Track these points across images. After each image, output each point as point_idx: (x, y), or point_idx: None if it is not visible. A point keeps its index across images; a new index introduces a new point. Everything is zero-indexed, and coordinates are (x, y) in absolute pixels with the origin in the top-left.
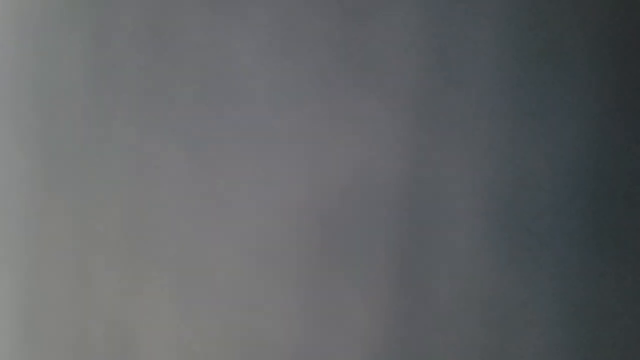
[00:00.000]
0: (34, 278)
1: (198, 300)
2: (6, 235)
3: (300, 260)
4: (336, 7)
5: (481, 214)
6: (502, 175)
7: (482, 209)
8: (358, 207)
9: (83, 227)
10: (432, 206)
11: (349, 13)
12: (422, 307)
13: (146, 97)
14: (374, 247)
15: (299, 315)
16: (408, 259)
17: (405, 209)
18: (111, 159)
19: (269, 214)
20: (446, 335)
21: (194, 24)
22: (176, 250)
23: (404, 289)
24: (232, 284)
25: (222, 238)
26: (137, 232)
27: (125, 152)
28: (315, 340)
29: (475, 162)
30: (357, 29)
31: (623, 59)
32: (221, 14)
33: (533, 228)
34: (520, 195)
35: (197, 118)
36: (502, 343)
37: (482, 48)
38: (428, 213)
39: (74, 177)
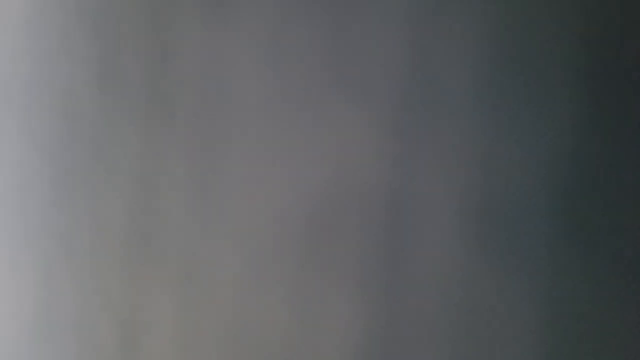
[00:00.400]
0: (46, 279)
1: (198, 300)
2: (18, 237)
3: (288, 261)
4: (323, 18)
5: (458, 216)
6: (478, 179)
7: (458, 211)
8: (341, 210)
9: (91, 230)
10: (410, 209)
11: (335, 24)
12: (403, 306)
13: (148, 105)
14: (357, 249)
15: (287, 314)
16: (389, 260)
17: (385, 212)
18: (117, 165)
19: (260, 216)
20: (427, 334)
21: (193, 34)
22: (178, 252)
23: (386, 288)
24: (227, 284)
25: (218, 240)
26: (142, 234)
27: (130, 158)
28: (303, 338)
29: (451, 166)
30: (343, 39)
31: (599, 65)
32: (218, 26)
33: (509, 229)
34: (496, 197)
35: (195, 124)
36: (479, 340)
37: (459, 56)
38: (407, 216)
39: (82, 182)
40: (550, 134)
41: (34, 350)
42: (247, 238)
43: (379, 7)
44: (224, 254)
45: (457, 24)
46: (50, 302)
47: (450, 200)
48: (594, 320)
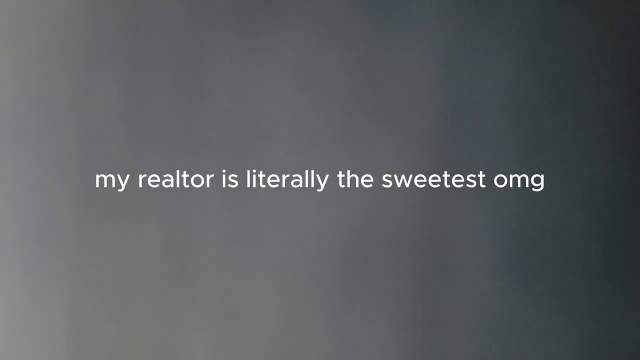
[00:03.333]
0: (79, 311)
1: (234, 336)
2: (47, 277)
3: (326, 294)
4: (355, 48)
5: (494, 247)
6: (515, 211)
7: (495, 241)
8: (377, 241)
9: (124, 268)
10: (446, 239)
11: (367, 54)
12: (440, 336)
13: (178, 132)
14: (394, 280)
15: (326, 349)
16: (426, 289)
17: (421, 242)
18: (150, 200)
19: (296, 249)
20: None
21: (224, 64)
22: (214, 288)
23: (424, 318)
24: (264, 319)
25: (254, 275)
26: (177, 271)
27: (163, 192)
28: None
29: (487, 197)
30: (375, 69)
31: (633, 103)
32: (249, 57)
33: (546, 262)
34: (533, 230)
35: (228, 154)
36: None
37: (493, 87)
38: (443, 246)
39: (114, 219)
40: (588, 166)
41: None
42: (283, 272)
43: (412, 37)
44: (260, 289)
45: (492, 56)
46: (83, 342)
47: (486, 230)
48: (632, 357)
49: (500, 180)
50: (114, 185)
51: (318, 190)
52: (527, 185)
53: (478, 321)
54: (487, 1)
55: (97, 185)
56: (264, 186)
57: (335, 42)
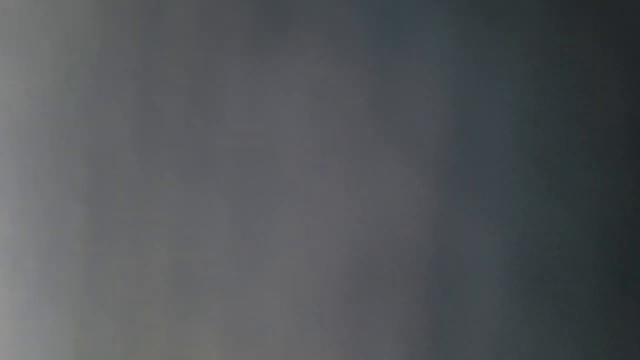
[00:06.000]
0: (87, 321)
1: (243, 347)
2: (58, 289)
3: (332, 311)
4: (367, 70)
5: (502, 271)
6: (523, 235)
7: (503, 265)
8: (385, 263)
9: (133, 280)
10: (454, 262)
11: (378, 76)
12: (453, 351)
13: (188, 146)
14: (400, 300)
15: (329, 355)
16: (432, 312)
17: (429, 265)
18: (158, 215)
19: (303, 267)
20: None
21: (236, 84)
22: (221, 296)
23: (429, 341)
24: (271, 333)
25: (262, 290)
26: (183, 275)
27: (172, 207)
28: None
29: (496, 221)
30: (386, 92)
31: (639, 113)
32: (261, 77)
33: (556, 287)
34: (541, 255)
35: (238, 173)
36: None
37: (503, 112)
38: (451, 269)
39: (123, 232)
40: (598, 191)
41: None
42: (291, 286)
43: (421, 55)
44: (268, 304)
45: (501, 74)
46: (92, 353)
47: (494, 254)
48: None
49: (507, 195)
50: (123, 198)
51: (327, 206)
52: (533, 200)
53: (484, 339)
54: (497, 21)
55: (107, 198)
56: (273, 201)
57: (345, 59)
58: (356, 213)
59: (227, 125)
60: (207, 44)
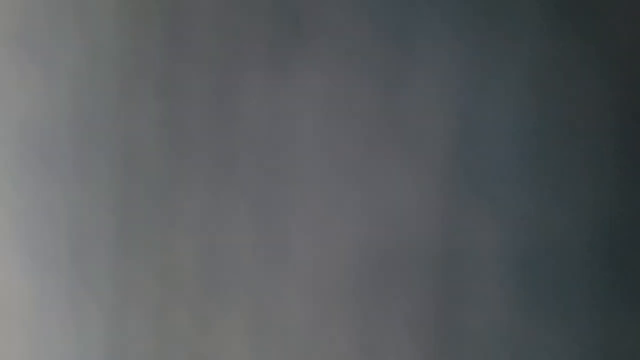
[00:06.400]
0: (118, 317)
1: (266, 337)
2: (85, 285)
3: (351, 305)
4: (377, 79)
5: (505, 270)
6: (525, 235)
7: (511, 258)
8: (397, 256)
9: (159, 277)
10: (459, 261)
11: (389, 85)
12: (461, 344)
13: (212, 155)
14: (409, 294)
15: (348, 349)
16: (439, 307)
17: (436, 263)
18: (183, 210)
19: (320, 263)
20: None
21: (255, 89)
22: (245, 293)
23: (445, 327)
24: (294, 328)
25: (284, 288)
26: (209, 275)
27: (195, 210)
28: None
29: (498, 221)
30: (396, 99)
31: (638, 124)
32: (280, 88)
33: (555, 284)
34: (548, 247)
35: (258, 177)
36: None
37: (505, 109)
38: (456, 267)
39: (148, 232)
40: (595, 190)
41: None
42: (312, 286)
43: (430, 70)
44: (288, 298)
45: (504, 84)
46: (122, 350)
47: (498, 249)
48: None
49: (510, 194)
50: (149, 200)
51: (341, 205)
52: (536, 198)
53: (491, 334)
54: (501, 27)
55: (133, 200)
56: (291, 202)
57: (357, 68)
58: (368, 212)
59: (248, 129)
60: (228, 53)
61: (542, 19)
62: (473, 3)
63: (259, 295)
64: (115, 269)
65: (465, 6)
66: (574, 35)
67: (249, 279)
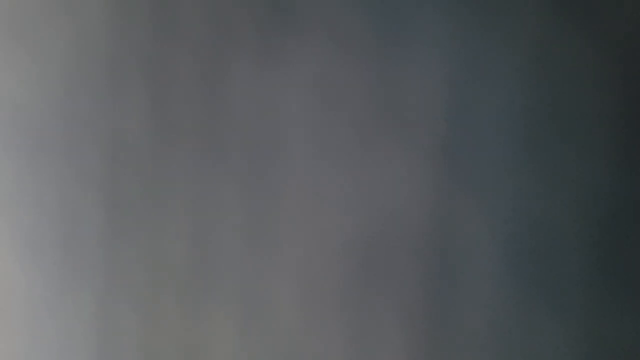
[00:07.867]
0: (108, 307)
1: (255, 325)
2: (75, 275)
3: (338, 291)
4: (369, 63)
5: (502, 253)
6: (521, 218)
7: (502, 248)
8: (390, 245)
9: (149, 265)
10: (454, 244)
11: (380, 69)
12: (447, 335)
13: (201, 144)
14: (400, 282)
15: (338, 339)
16: (435, 290)
17: (431, 246)
18: (171, 204)
19: (313, 250)
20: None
21: (244, 77)
22: (234, 281)
23: (435, 317)
24: (284, 315)
25: (275, 273)
26: (199, 265)
27: (185, 196)
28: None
29: (493, 203)
30: (387, 83)
31: (633, 115)
32: (269, 72)
33: (550, 274)
34: (539, 237)
35: (248, 162)
36: None
37: (499, 99)
38: (451, 250)
39: (138, 220)
40: (588, 174)
41: None
42: (302, 274)
43: (424, 58)
44: (279, 287)
45: (499, 76)
46: (112, 338)
47: (489, 245)
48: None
49: (503, 190)
50: (138, 190)
51: (332, 194)
52: (528, 194)
53: (480, 322)
54: (494, 19)
55: (123, 190)
56: (282, 189)
57: (348, 55)
58: (360, 200)
59: (237, 117)
60: (217, 41)
61: (538, 9)
62: None
63: (249, 284)
64: (104, 258)
65: None
66: (571, 31)
67: (238, 269)
